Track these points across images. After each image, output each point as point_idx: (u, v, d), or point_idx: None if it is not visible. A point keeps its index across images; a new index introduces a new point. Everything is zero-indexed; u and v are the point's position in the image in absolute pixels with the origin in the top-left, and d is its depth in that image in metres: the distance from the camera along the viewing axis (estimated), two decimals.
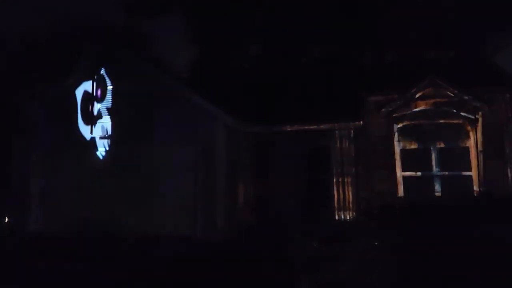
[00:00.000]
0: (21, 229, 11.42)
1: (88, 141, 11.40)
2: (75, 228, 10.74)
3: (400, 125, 13.85)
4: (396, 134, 13.75)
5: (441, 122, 13.67)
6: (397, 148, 13.74)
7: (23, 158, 11.76)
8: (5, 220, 11.92)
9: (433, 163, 13.48)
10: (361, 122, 12.52)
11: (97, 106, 11.55)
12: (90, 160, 11.29)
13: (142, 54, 12.83)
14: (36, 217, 11.53)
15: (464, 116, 13.50)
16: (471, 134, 13.45)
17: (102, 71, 11.53)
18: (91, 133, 11.47)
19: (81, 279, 7.46)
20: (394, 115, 13.83)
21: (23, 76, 14.45)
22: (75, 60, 12.13)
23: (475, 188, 12.84)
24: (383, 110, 13.79)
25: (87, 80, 11.65)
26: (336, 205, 11.57)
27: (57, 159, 11.60)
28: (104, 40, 12.20)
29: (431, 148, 13.64)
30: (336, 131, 12.04)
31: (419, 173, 13.50)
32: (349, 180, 11.72)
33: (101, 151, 11.28)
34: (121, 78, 11.43)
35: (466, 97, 13.41)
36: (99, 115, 11.51)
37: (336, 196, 11.64)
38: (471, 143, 13.43)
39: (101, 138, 11.31)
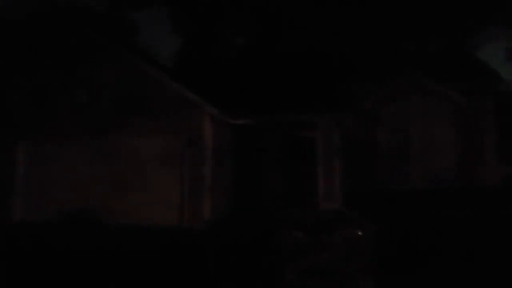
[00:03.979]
0: (6, 219, 11.35)
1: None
2: (61, 218, 10.72)
3: (381, 116, 14.16)
4: (377, 125, 14.06)
5: (421, 114, 14.02)
6: (379, 139, 14.07)
7: (8, 147, 11.64)
8: None
9: (414, 152, 13.85)
10: (344, 113, 12.75)
11: None
12: (77, 150, 11.26)
13: (127, 43, 12.75)
14: (22, 206, 11.46)
15: (444, 108, 13.87)
16: (451, 126, 13.84)
17: None
18: None
19: (68, 268, 7.52)
20: (376, 107, 14.13)
21: (6, 64, 14.20)
22: (60, 46, 12.02)
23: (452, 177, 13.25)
24: (365, 102, 14.08)
25: (75, 66, 11.52)
26: (320, 194, 11.80)
27: (43, 149, 11.52)
28: (88, 28, 12.10)
29: (411, 138, 13.99)
30: (321, 122, 12.22)
31: (399, 163, 13.85)
32: (334, 170, 11.93)
33: None
34: (106, 68, 11.37)
35: (446, 91, 13.78)
36: None
37: (321, 186, 11.86)
38: (451, 134, 13.82)
39: None
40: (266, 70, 14.74)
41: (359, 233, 6.45)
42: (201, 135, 10.71)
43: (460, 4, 19.42)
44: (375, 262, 6.16)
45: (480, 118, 13.81)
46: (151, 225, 10.05)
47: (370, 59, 17.10)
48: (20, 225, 11.12)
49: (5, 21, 21.02)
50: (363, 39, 19.30)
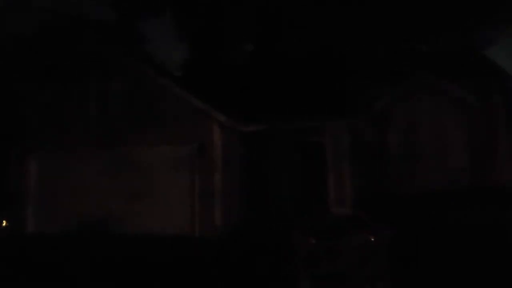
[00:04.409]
0: (19, 231, 11.44)
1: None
2: (73, 229, 10.79)
3: (390, 118, 14.05)
4: (387, 127, 13.96)
5: (431, 114, 13.91)
6: (389, 141, 13.96)
7: (20, 160, 11.75)
8: (2, 223, 11.91)
9: (425, 153, 13.73)
10: (353, 117, 12.68)
11: None
12: (87, 161, 11.33)
13: (135, 52, 12.83)
14: (34, 218, 11.54)
15: (455, 108, 13.74)
16: (462, 126, 13.70)
17: None
18: None
19: (79, 279, 7.55)
20: (385, 108, 14.03)
21: (18, 77, 14.41)
22: (68, 59, 12.16)
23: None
24: (374, 104, 13.99)
25: (84, 77, 11.63)
26: (331, 199, 11.74)
27: (54, 160, 11.62)
28: (96, 38, 12.22)
29: (422, 139, 13.86)
30: (330, 127, 12.18)
31: (410, 165, 13.73)
32: (344, 174, 11.87)
33: None
34: (115, 78, 11.45)
35: (457, 90, 13.64)
36: None
37: (331, 190, 11.80)
38: (462, 134, 13.68)
39: None
40: (274, 76, 14.73)
41: (372, 238, 6.39)
42: (210, 143, 10.73)
43: (466, 3, 19.32)
44: (389, 267, 6.11)
45: (491, 117, 13.66)
46: (162, 233, 10.06)
47: (377, 61, 17.02)
48: (32, 236, 11.21)
49: (16, 35, 21.28)
50: (371, 41, 19.23)
